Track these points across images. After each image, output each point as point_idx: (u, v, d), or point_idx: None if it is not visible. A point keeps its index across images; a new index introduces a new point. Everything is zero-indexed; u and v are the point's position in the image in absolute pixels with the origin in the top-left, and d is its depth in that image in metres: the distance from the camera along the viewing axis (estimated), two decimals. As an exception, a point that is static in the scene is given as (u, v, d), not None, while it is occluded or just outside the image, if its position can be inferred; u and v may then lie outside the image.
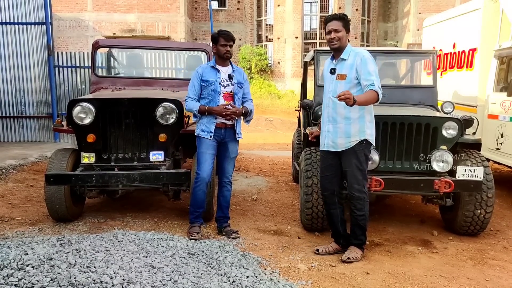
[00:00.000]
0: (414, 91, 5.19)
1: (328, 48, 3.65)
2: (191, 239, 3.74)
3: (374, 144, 3.58)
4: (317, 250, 3.68)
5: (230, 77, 3.92)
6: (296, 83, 18.83)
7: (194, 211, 3.96)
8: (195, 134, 3.96)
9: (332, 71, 3.52)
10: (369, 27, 23.44)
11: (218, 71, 3.91)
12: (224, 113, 3.80)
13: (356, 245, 3.58)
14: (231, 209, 4.64)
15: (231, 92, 3.92)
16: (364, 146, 3.45)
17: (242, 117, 4.00)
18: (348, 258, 3.47)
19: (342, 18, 3.43)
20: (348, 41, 3.50)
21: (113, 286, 2.65)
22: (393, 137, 4.02)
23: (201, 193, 3.91)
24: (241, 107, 3.96)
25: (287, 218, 4.68)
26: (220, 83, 3.88)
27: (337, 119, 3.46)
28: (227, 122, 3.91)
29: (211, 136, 3.87)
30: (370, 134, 3.47)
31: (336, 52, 3.49)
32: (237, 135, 3.99)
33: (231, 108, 3.82)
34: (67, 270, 2.78)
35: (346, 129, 3.43)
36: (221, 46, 3.86)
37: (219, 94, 3.87)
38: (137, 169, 4.10)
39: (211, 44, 4.03)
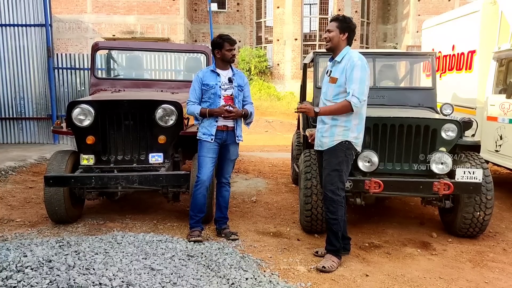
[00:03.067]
0: (414, 93, 5.20)
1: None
2: (190, 240, 3.74)
3: (359, 150, 3.54)
4: (317, 252, 3.68)
5: (230, 80, 3.94)
6: (295, 85, 18.85)
7: (194, 215, 3.95)
8: (197, 137, 3.97)
9: (329, 73, 3.54)
10: (368, 29, 23.48)
11: (218, 75, 3.93)
12: (223, 115, 3.82)
13: (331, 251, 3.49)
14: (231, 211, 4.64)
15: (231, 95, 3.94)
16: (346, 147, 3.41)
17: (242, 119, 4.02)
18: (324, 267, 3.34)
19: (337, 19, 3.45)
20: (348, 44, 3.48)
21: (112, 288, 2.65)
22: (392, 139, 4.02)
23: (201, 197, 3.91)
24: (241, 109, 3.97)
25: (286, 220, 4.68)
26: (220, 87, 3.90)
27: (325, 120, 3.50)
28: (228, 124, 3.92)
29: (212, 139, 3.87)
30: (354, 137, 3.43)
31: (333, 52, 3.50)
32: (237, 138, 4.00)
33: (231, 108, 3.83)
34: (66, 272, 2.78)
35: (332, 129, 3.44)
36: (227, 51, 3.88)
37: (220, 97, 3.89)
38: (136, 171, 4.09)
39: (211, 48, 4.04)
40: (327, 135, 3.47)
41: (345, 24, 3.43)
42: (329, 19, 3.57)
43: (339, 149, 3.41)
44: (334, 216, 3.42)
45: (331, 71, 3.52)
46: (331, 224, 3.44)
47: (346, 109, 3.34)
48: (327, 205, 3.46)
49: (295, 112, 3.56)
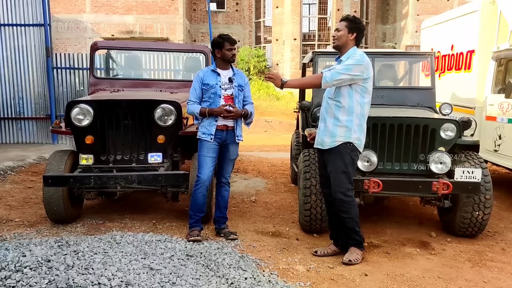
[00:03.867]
0: (413, 92, 5.20)
1: (326, 50, 3.69)
2: (189, 240, 3.73)
3: (361, 151, 3.53)
4: (316, 251, 3.68)
5: (230, 80, 3.94)
6: (294, 85, 18.80)
7: (194, 215, 3.94)
8: (197, 137, 3.97)
9: None
10: (367, 29, 23.44)
11: (219, 74, 3.93)
12: (222, 115, 3.82)
13: (354, 245, 3.56)
14: (230, 211, 4.63)
15: (231, 95, 3.94)
16: (351, 148, 3.41)
17: (242, 119, 4.02)
18: (350, 260, 3.43)
19: (347, 19, 3.48)
20: (355, 45, 3.48)
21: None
22: (391, 139, 4.02)
23: (201, 196, 3.90)
24: (241, 109, 3.97)
25: (285, 220, 4.68)
26: (220, 86, 3.90)
27: (327, 119, 3.49)
28: (228, 124, 3.92)
29: (211, 139, 3.87)
30: (356, 138, 3.42)
31: (339, 51, 3.53)
32: (236, 138, 3.99)
33: (231, 108, 3.83)
34: (65, 272, 2.77)
35: (333, 129, 3.43)
36: (227, 50, 3.89)
37: (220, 97, 3.89)
38: (135, 171, 4.09)
39: (211, 48, 4.05)
40: (328, 134, 3.47)
41: (354, 24, 3.44)
42: (328, 18, 3.59)
43: (344, 152, 3.40)
44: (348, 215, 3.45)
45: None
46: (346, 222, 3.48)
47: (315, 81, 3.34)
48: (338, 206, 3.47)
49: (266, 77, 3.45)
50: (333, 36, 3.52)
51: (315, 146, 3.66)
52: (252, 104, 4.10)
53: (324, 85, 3.30)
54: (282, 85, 3.35)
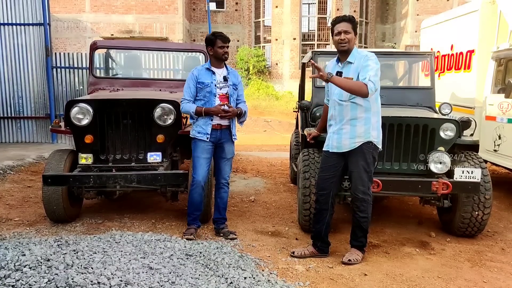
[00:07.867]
0: (412, 92, 5.20)
1: (325, 50, 3.67)
2: (185, 238, 3.74)
3: (380, 148, 3.52)
4: (293, 252, 3.63)
5: (225, 79, 3.93)
6: (294, 84, 18.87)
7: (191, 213, 3.97)
8: (191, 135, 3.95)
9: (339, 74, 3.45)
10: (367, 28, 23.49)
11: (214, 73, 3.91)
12: (220, 115, 3.81)
13: (356, 247, 3.57)
14: (229, 211, 4.63)
15: (226, 93, 3.93)
16: (372, 148, 3.41)
17: (236, 118, 4.01)
18: (349, 260, 3.45)
19: (352, 20, 3.42)
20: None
21: (110, 287, 2.64)
22: (391, 139, 4.02)
23: (197, 196, 3.92)
24: (237, 108, 3.97)
25: (285, 219, 4.68)
26: (216, 85, 3.89)
27: (343, 121, 3.43)
28: (222, 123, 3.91)
29: (207, 138, 3.87)
30: (376, 136, 3.42)
31: (343, 54, 3.45)
32: (232, 137, 3.99)
33: (228, 108, 3.83)
34: (64, 271, 2.77)
35: (351, 130, 3.40)
36: (219, 48, 3.87)
37: (215, 96, 3.88)
38: (134, 170, 4.09)
39: (205, 45, 4.03)
40: (346, 136, 3.42)
41: (356, 25, 3.43)
42: (327, 18, 3.54)
43: (367, 151, 3.40)
44: (365, 215, 3.47)
45: (341, 72, 3.44)
46: (361, 222, 3.49)
47: (360, 90, 3.22)
48: (357, 204, 3.47)
49: (311, 72, 3.34)
50: (343, 39, 3.37)
51: (330, 149, 3.53)
52: (245, 102, 4.09)
53: (370, 95, 3.26)
54: (327, 80, 3.26)
